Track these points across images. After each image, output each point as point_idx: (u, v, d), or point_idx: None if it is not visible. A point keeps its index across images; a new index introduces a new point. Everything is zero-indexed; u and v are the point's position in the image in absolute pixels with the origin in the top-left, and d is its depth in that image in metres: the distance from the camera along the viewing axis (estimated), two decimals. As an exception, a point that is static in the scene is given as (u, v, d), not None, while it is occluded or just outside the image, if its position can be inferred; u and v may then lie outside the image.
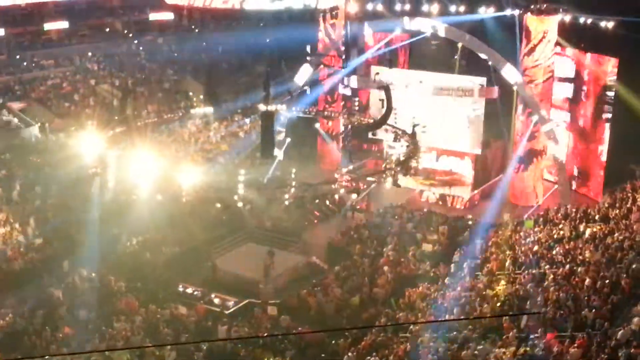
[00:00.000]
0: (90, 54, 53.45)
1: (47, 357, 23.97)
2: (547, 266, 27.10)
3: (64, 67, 51.41)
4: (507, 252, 30.07)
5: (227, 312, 30.10)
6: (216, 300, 31.11)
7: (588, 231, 29.65)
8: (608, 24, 38.63)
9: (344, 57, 42.23)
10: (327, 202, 40.69)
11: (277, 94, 41.42)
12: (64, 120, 45.14)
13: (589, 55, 39.66)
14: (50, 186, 38.40)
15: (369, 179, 32.93)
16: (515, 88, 39.80)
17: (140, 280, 32.28)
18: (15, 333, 26.86)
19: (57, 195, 37.96)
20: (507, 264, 28.80)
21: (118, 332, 26.76)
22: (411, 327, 24.83)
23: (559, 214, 34.08)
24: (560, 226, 31.54)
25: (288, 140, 44.74)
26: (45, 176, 39.31)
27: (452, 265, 31.19)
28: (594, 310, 21.78)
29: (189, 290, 32.04)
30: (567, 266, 26.14)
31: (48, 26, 51.73)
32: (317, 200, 39.28)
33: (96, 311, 28.63)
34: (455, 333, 23.20)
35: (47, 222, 35.87)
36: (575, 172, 41.00)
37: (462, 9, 42.60)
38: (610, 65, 37.96)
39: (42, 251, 33.70)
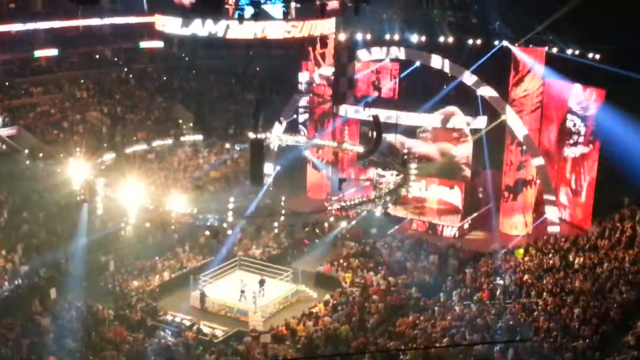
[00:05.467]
0: (81, 81, 53.53)
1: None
2: (537, 296, 27.12)
3: (53, 94, 51.35)
4: (498, 282, 30.07)
5: (215, 340, 29.86)
6: (205, 329, 30.88)
7: (577, 261, 29.74)
8: (595, 56, 39.07)
9: (333, 86, 42.43)
10: (317, 231, 40.62)
11: (266, 122, 41.51)
12: (52, 148, 44.99)
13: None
14: (38, 213, 38.18)
15: (358, 207, 32.88)
16: (504, 118, 40.08)
17: (127, 308, 32.04)
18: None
19: (45, 222, 37.73)
20: (497, 293, 28.79)
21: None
22: (401, 356, 24.71)
23: (549, 244, 34.20)
24: (550, 255, 31.63)
25: (278, 168, 44.79)
26: (33, 203, 39.09)
27: (442, 294, 31.16)
28: (585, 340, 21.77)
29: (178, 319, 31.79)
30: (557, 296, 26.18)
31: (38, 53, 51.71)
32: (306, 229, 39.24)
33: (83, 340, 28.30)
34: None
35: (34, 249, 35.61)
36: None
37: (450, 40, 42.95)
38: (590, 95, 38.45)
39: (29, 278, 33.40)
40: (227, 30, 28.24)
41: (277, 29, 27.39)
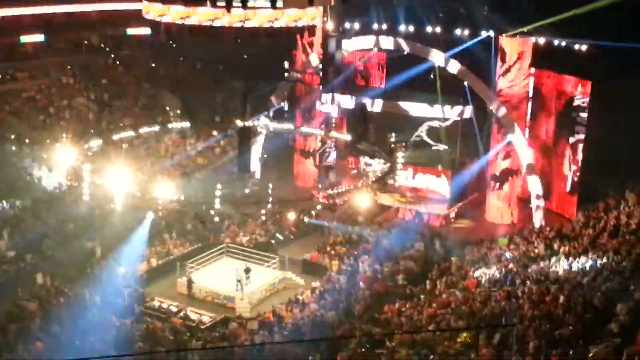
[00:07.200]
0: (68, 67, 53.29)
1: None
2: (522, 284, 27.31)
3: (39, 79, 51.09)
4: (483, 270, 30.27)
5: (202, 327, 29.97)
6: (192, 315, 30.98)
7: (562, 250, 29.95)
8: (582, 47, 39.30)
9: (321, 74, 42.48)
10: (304, 219, 40.79)
11: (254, 110, 41.49)
12: (38, 133, 44.80)
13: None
14: (24, 199, 38.03)
15: (345, 195, 33.05)
16: (490, 108, 40.26)
17: (115, 294, 32.05)
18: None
19: (31, 208, 37.60)
20: (482, 281, 28.99)
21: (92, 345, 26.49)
22: (387, 342, 24.86)
23: (534, 232, 34.45)
24: (535, 244, 31.85)
25: (265, 156, 44.82)
26: (19, 189, 38.94)
27: (428, 282, 31.34)
28: (569, 328, 21.94)
29: (165, 305, 31.86)
30: (542, 284, 26.38)
31: (24, 39, 51.37)
32: (293, 217, 39.39)
33: (70, 325, 28.30)
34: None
35: (20, 235, 35.49)
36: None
37: (438, 29, 43.06)
38: (576, 86, 38.64)
39: (15, 264, 33.33)
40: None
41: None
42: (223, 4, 28.23)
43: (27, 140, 43.72)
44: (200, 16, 28.51)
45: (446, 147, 39.41)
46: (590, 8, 31.87)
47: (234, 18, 28.02)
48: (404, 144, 34.57)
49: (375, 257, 35.16)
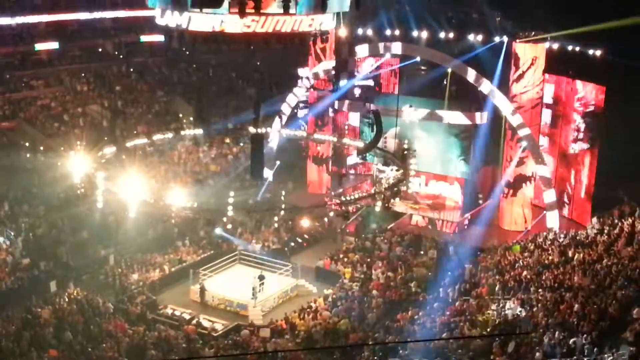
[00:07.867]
0: (82, 74, 53.59)
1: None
2: (536, 291, 27.14)
3: (53, 87, 51.42)
4: (496, 277, 30.11)
5: (215, 334, 29.95)
6: (205, 323, 30.97)
7: (576, 257, 29.74)
8: (596, 52, 39.07)
9: (334, 81, 42.40)
10: (317, 225, 40.74)
11: (267, 117, 41.51)
12: (53, 141, 45.04)
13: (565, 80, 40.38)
14: (38, 206, 38.22)
15: (358, 202, 32.92)
16: (504, 114, 40.04)
17: (128, 301, 32.12)
18: (2, 354, 26.54)
19: (46, 216, 37.78)
20: (496, 288, 28.84)
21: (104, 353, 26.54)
22: (400, 351, 24.78)
23: (548, 239, 34.24)
24: (549, 251, 31.65)
25: (278, 162, 44.81)
26: (34, 196, 39.13)
27: (441, 289, 31.20)
28: (583, 336, 21.79)
29: (178, 313, 31.88)
30: (556, 292, 26.21)
31: (39, 46, 51.74)
32: (306, 224, 39.32)
33: (83, 332, 28.38)
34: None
35: (35, 242, 35.65)
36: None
37: (451, 35, 42.94)
38: (591, 91, 38.42)
39: (29, 271, 33.46)
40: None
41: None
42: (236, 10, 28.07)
43: (41, 148, 43.96)
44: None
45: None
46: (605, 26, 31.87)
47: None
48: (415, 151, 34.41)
49: (388, 264, 35.08)
